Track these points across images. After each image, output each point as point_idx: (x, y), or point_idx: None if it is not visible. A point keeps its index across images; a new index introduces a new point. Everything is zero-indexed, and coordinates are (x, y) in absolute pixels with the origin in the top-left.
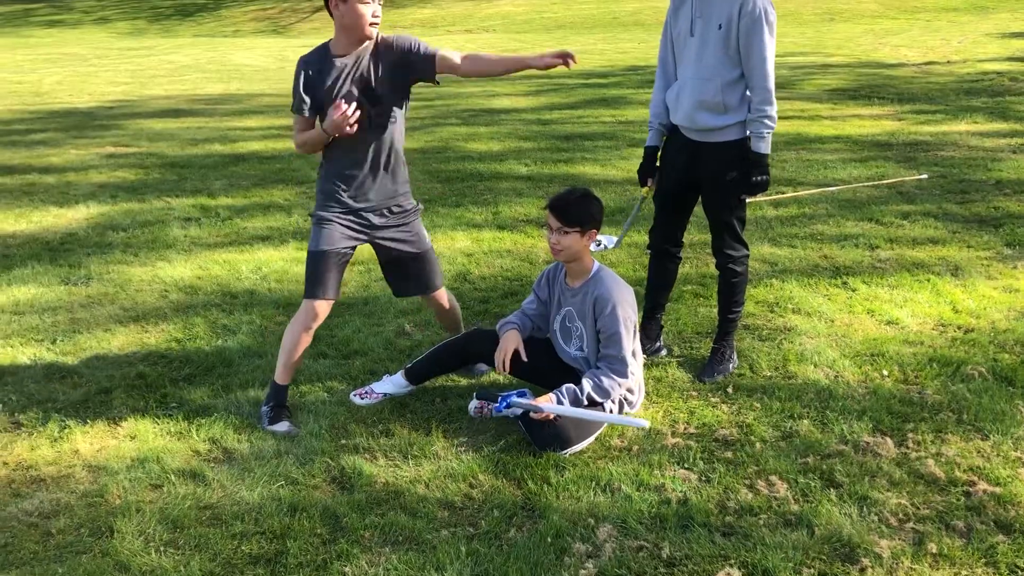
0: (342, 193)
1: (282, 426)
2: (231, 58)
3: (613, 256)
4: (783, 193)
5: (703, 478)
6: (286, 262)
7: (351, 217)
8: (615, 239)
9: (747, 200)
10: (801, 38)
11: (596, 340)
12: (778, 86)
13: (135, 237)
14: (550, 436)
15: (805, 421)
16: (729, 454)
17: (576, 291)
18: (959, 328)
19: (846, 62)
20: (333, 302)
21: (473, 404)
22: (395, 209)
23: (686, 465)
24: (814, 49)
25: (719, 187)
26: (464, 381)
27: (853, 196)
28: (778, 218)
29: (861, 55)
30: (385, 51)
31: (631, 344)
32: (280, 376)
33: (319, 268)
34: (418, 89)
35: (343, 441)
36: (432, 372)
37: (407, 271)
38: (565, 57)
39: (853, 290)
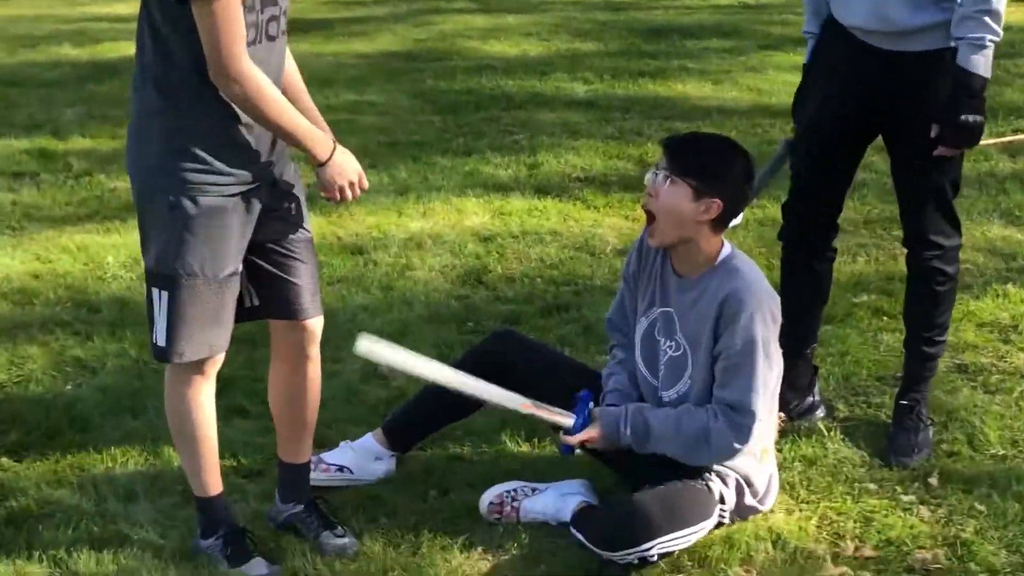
0: None
1: (255, 567)
2: None
3: (734, 237)
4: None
5: None
6: None
7: None
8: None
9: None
10: None
11: (711, 374)
12: None
13: None
14: (619, 528)
15: None
16: None
17: (688, 285)
18: None
19: None
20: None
21: (487, 501)
22: None
23: None
24: None
25: (925, 127)
26: (478, 456)
27: None
28: (1016, 176)
29: None
30: None
31: (767, 389)
32: (198, 487)
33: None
34: None
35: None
36: (427, 423)
37: None
38: (342, 190)
39: None
